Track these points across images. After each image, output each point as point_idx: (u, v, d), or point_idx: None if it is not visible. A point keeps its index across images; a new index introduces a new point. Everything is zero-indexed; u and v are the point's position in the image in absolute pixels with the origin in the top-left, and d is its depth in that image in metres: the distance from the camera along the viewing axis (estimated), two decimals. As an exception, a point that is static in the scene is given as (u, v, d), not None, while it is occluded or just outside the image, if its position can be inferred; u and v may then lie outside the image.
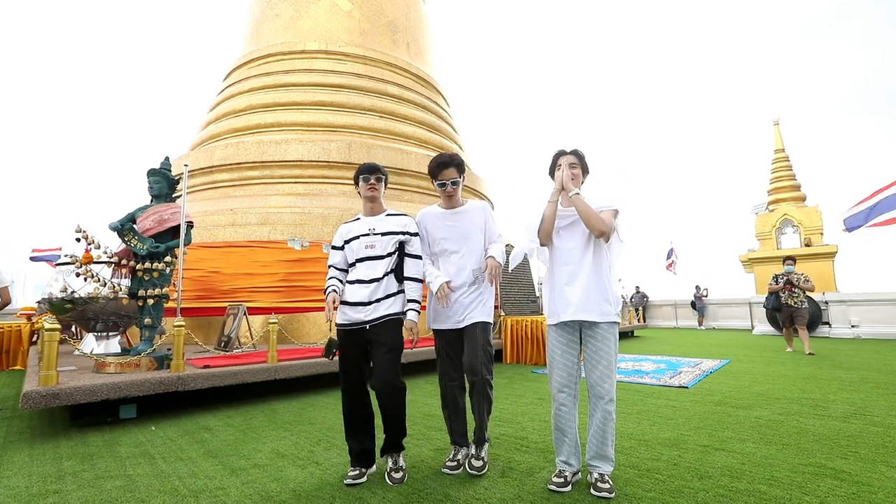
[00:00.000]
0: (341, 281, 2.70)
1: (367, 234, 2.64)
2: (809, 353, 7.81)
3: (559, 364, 2.44)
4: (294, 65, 10.84)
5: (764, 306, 8.98)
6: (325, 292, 2.66)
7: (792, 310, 8.30)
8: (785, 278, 8.37)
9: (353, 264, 2.66)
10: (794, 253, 16.10)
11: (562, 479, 2.34)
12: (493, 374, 2.75)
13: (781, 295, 8.38)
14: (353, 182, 2.81)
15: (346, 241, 2.69)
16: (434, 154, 10.62)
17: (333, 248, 2.75)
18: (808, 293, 8.51)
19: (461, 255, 2.71)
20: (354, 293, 2.60)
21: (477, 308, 2.68)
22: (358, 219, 2.74)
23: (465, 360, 2.65)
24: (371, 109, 10.58)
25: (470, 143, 14.25)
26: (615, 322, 2.41)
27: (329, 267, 2.75)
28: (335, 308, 2.56)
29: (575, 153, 2.54)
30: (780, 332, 13.08)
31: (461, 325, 2.67)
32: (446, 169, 2.72)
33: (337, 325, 2.63)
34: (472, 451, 2.67)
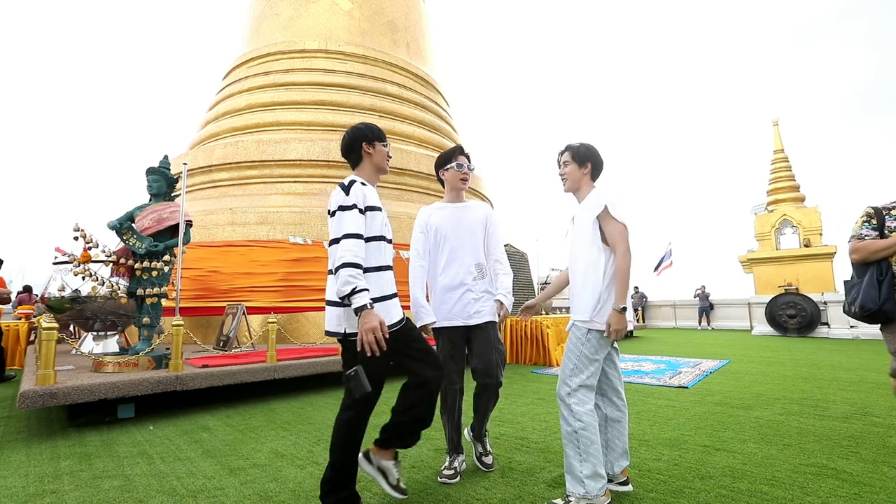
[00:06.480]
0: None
1: (382, 210, 2.15)
2: None
3: (598, 370, 2.20)
4: (294, 64, 10.81)
5: (851, 306, 2.46)
6: (349, 297, 1.86)
7: None
8: None
9: (368, 240, 2.03)
10: (794, 253, 16.13)
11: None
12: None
13: None
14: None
15: (369, 208, 2.06)
16: (434, 154, 10.65)
17: (357, 208, 2.00)
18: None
19: (465, 250, 2.64)
20: (390, 282, 2.09)
21: (488, 303, 2.62)
22: (365, 184, 2.12)
23: (479, 362, 2.54)
24: (371, 109, 10.56)
25: (470, 143, 14.24)
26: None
27: (352, 237, 1.93)
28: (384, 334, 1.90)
29: (567, 148, 2.43)
30: (781, 333, 13.05)
31: (471, 322, 2.56)
32: (461, 154, 2.75)
33: (391, 326, 2.01)
34: (480, 448, 2.68)
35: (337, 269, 1.90)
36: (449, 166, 2.72)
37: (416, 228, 2.73)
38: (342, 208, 1.98)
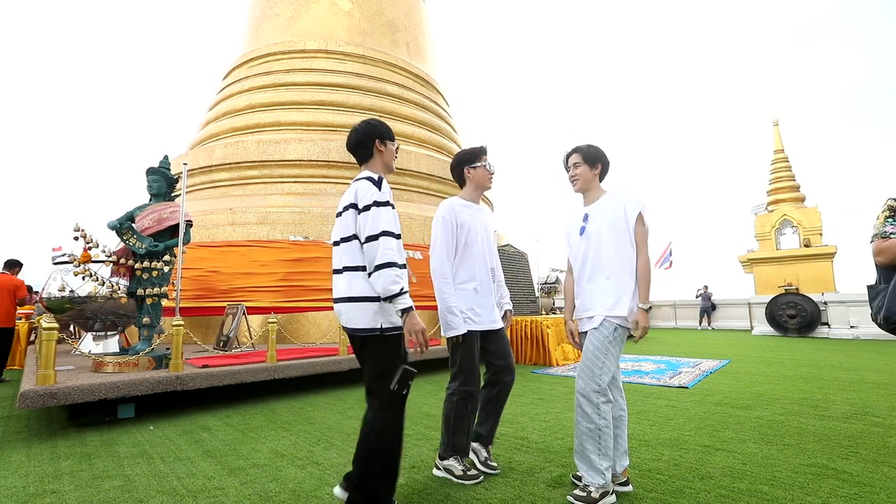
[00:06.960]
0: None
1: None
2: None
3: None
4: (294, 64, 10.82)
5: (877, 315, 1.96)
6: (395, 298, 1.86)
7: None
8: None
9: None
10: (794, 253, 16.10)
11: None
12: None
13: None
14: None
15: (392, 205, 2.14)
16: (434, 154, 10.66)
17: (390, 204, 1.99)
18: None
19: (486, 253, 2.66)
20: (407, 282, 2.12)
21: (497, 308, 2.73)
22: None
23: (502, 362, 2.62)
24: (371, 109, 10.56)
25: (470, 143, 14.24)
26: None
27: (390, 235, 1.91)
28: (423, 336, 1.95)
29: (576, 150, 2.48)
30: (781, 333, 13.02)
31: (495, 327, 2.62)
32: (486, 154, 2.71)
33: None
34: (484, 453, 2.63)
35: (380, 267, 1.85)
36: (478, 164, 2.67)
37: (444, 222, 2.52)
38: (378, 204, 1.92)
